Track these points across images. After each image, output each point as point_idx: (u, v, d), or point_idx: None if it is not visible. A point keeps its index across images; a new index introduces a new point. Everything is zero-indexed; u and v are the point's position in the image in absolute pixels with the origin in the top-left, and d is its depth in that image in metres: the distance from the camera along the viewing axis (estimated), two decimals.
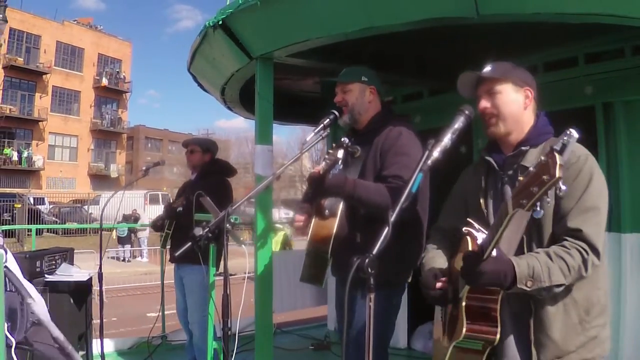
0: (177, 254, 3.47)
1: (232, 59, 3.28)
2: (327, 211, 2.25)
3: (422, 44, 3.11)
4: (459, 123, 1.70)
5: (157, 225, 3.98)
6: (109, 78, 34.72)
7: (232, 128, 78.75)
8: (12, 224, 17.29)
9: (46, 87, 31.29)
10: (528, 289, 1.48)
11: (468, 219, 1.67)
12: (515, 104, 1.71)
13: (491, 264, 1.45)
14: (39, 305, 2.61)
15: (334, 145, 2.17)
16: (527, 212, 1.30)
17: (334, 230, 2.21)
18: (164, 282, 4.91)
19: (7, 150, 29.48)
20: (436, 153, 1.61)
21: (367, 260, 1.39)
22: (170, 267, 4.01)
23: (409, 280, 2.45)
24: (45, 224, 19.97)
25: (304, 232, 2.37)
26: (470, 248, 1.58)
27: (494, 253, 1.45)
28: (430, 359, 1.75)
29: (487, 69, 1.73)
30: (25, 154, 30.23)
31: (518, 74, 1.74)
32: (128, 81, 36.85)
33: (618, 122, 3.03)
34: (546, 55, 3.35)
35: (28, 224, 17.82)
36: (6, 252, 2.68)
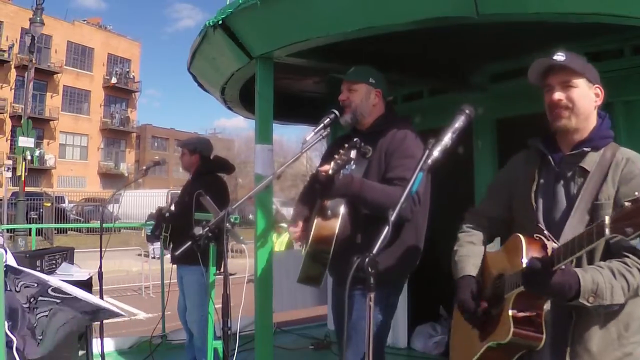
0: (176, 253, 3.48)
1: (232, 59, 3.28)
2: (329, 212, 2.25)
3: (422, 43, 3.11)
4: (459, 122, 1.69)
5: (155, 235, 3.99)
6: (118, 78, 34.90)
7: (243, 128, 78.63)
8: (40, 223, 17.45)
9: (57, 87, 31.58)
10: (589, 305, 1.45)
11: (538, 225, 1.64)
12: (588, 100, 1.67)
13: (560, 276, 1.43)
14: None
15: (345, 145, 2.17)
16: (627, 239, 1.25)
17: (337, 231, 2.22)
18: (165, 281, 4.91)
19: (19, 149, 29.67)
20: (436, 152, 1.60)
21: (367, 260, 1.39)
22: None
23: (407, 280, 2.46)
24: (70, 222, 20.17)
25: (303, 240, 2.38)
26: (524, 252, 1.55)
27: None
28: (430, 359, 1.74)
29: (562, 57, 1.67)
30: (36, 153, 30.45)
31: (591, 71, 1.70)
32: (137, 81, 37.12)
33: (618, 122, 3.03)
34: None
35: (55, 222, 18.06)
36: (6, 252, 2.69)
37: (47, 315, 2.65)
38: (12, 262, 2.77)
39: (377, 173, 2.27)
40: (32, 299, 2.63)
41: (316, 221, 2.27)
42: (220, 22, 2.99)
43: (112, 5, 69.24)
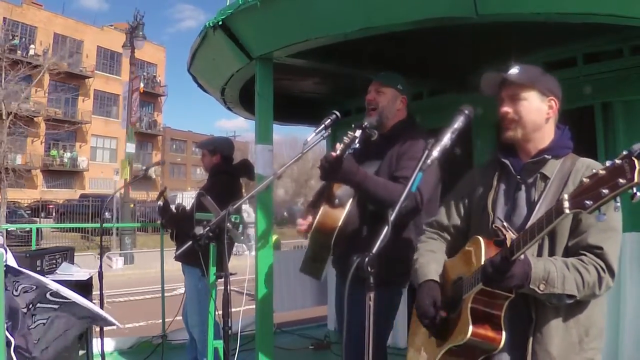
0: (177, 252, 3.48)
1: (232, 59, 3.29)
2: (337, 200, 2.26)
3: (422, 44, 3.11)
4: (458, 123, 1.69)
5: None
6: (145, 82, 35.30)
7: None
8: (113, 222, 18.02)
9: (88, 91, 32.26)
10: (539, 292, 1.46)
11: (497, 218, 1.64)
12: (538, 113, 1.67)
13: (519, 266, 1.42)
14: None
15: (353, 125, 2.20)
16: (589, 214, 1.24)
17: (340, 222, 2.23)
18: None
19: (53, 152, 30.20)
20: (435, 153, 1.60)
21: (367, 259, 1.40)
22: None
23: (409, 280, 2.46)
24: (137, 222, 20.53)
25: (306, 236, 2.39)
26: (483, 251, 1.54)
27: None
28: None
29: (514, 71, 1.67)
30: (69, 155, 31.30)
31: (545, 82, 1.70)
32: (163, 85, 37.50)
33: (617, 121, 3.04)
34: (545, 55, 3.35)
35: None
36: (6, 252, 2.69)
37: (44, 323, 2.64)
38: (12, 261, 2.78)
39: (387, 176, 2.30)
40: (30, 305, 2.63)
41: (322, 208, 2.28)
42: (220, 22, 3.00)
43: (113, 5, 69.21)
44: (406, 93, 2.47)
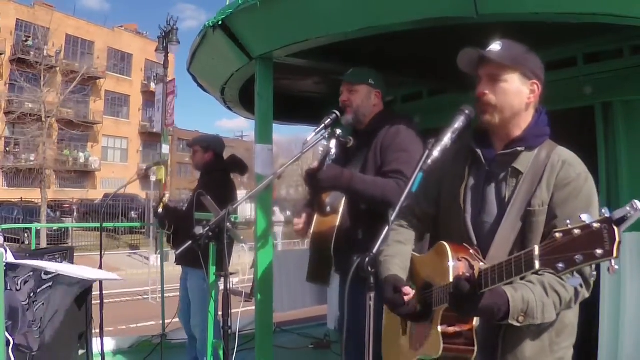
0: (177, 252, 3.48)
1: (232, 59, 3.29)
2: (328, 208, 2.26)
3: (422, 44, 3.11)
4: (459, 123, 1.64)
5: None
6: (157, 83, 35.41)
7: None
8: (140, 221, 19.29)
9: (100, 92, 32.42)
10: (519, 324, 1.38)
11: (467, 229, 1.58)
12: (518, 97, 1.56)
13: (487, 299, 1.34)
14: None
15: (327, 136, 2.20)
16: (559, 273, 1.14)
17: (336, 228, 2.23)
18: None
19: (66, 152, 30.34)
20: (436, 152, 1.57)
21: (367, 260, 1.40)
22: None
23: None
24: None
25: (304, 235, 2.39)
26: (451, 267, 1.48)
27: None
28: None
29: (497, 49, 1.57)
30: (84, 155, 31.54)
31: (529, 63, 1.59)
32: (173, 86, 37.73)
33: (617, 121, 3.03)
34: (545, 55, 3.31)
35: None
36: (6, 252, 2.69)
37: (43, 304, 2.71)
38: (12, 261, 2.78)
39: (374, 169, 2.28)
40: (31, 294, 2.68)
41: (316, 218, 2.28)
42: (220, 22, 2.99)
43: (114, 5, 69.02)
44: (380, 87, 2.42)
